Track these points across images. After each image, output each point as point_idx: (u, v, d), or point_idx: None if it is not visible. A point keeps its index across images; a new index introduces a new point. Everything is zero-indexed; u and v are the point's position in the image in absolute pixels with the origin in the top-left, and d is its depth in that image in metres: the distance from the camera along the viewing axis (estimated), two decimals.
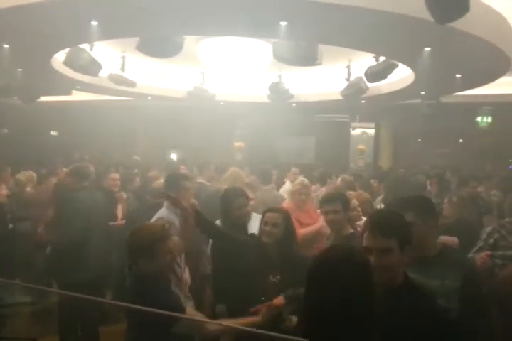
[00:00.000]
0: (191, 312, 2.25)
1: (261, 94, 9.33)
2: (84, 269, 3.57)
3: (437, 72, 6.43)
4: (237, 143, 13.70)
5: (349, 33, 5.38)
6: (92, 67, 6.69)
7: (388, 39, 5.56)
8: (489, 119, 11.06)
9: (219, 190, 4.03)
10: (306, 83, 9.46)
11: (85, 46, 6.50)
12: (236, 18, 5.03)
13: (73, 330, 3.78)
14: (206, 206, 3.52)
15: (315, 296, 1.43)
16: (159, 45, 6.09)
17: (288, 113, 11.40)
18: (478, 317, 2.00)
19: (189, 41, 6.49)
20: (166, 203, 3.35)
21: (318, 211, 3.55)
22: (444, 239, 3.77)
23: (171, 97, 10.20)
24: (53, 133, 14.80)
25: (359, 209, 3.67)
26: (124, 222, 4.39)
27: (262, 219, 2.79)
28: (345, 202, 3.15)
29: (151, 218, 3.22)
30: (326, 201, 3.17)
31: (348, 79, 7.84)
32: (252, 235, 3.04)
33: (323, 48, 6.08)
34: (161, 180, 4.58)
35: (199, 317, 2.22)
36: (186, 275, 3.28)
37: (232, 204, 3.13)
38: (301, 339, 1.42)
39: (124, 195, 5.02)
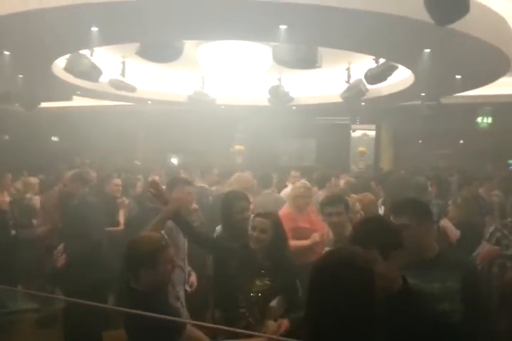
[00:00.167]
0: (192, 332, 2.12)
1: (261, 98, 9.34)
2: (90, 274, 3.56)
3: (437, 73, 6.44)
4: (237, 147, 13.71)
5: (349, 36, 5.39)
6: (92, 72, 6.71)
7: (388, 41, 5.57)
8: (490, 120, 11.04)
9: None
10: (306, 86, 9.47)
11: (85, 52, 6.53)
12: (236, 23, 5.06)
13: (77, 336, 3.77)
14: (211, 211, 3.51)
15: (317, 301, 1.43)
16: (159, 50, 6.11)
17: (288, 116, 11.41)
18: (481, 318, 1.99)
19: (189, 46, 6.51)
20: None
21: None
22: (448, 226, 3.77)
23: (171, 102, 10.21)
24: (54, 138, 14.82)
25: (362, 213, 3.67)
26: (123, 227, 4.39)
27: (251, 224, 2.74)
28: (347, 203, 3.24)
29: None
30: (328, 203, 3.19)
31: (348, 82, 7.86)
32: None
33: (322, 51, 6.08)
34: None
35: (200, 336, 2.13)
36: (193, 277, 3.27)
37: (233, 208, 3.12)
38: None
39: (126, 200, 5.02)
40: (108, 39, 5.60)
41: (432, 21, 3.80)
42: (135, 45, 6.22)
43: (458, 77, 7.20)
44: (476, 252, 3.27)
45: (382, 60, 6.69)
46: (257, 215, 2.73)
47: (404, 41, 5.48)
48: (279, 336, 2.04)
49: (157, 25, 5.18)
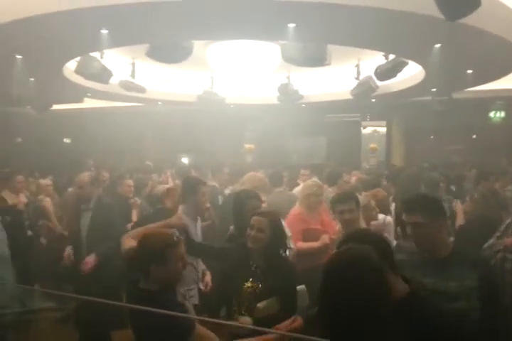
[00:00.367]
0: (202, 331, 2.08)
1: (270, 96, 9.35)
2: (115, 276, 3.59)
3: (448, 68, 6.36)
4: (247, 146, 13.72)
5: (358, 33, 5.37)
6: (103, 74, 6.78)
7: (398, 37, 5.54)
8: (502, 114, 10.92)
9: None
10: (315, 83, 9.45)
11: (96, 54, 6.59)
12: (244, 22, 5.07)
13: (87, 335, 3.80)
14: (224, 210, 3.50)
15: (328, 301, 1.44)
16: (169, 50, 6.16)
17: (298, 114, 11.38)
18: (498, 315, 1.97)
19: (198, 46, 6.54)
20: (181, 207, 3.37)
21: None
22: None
23: (181, 102, 10.27)
24: (66, 140, 14.98)
25: (377, 210, 3.65)
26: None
27: (250, 223, 2.65)
28: (358, 200, 3.23)
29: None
30: (340, 200, 3.19)
31: (357, 78, 7.82)
32: None
33: (332, 48, 6.07)
34: (165, 185, 4.68)
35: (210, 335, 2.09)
36: (208, 277, 3.28)
37: (245, 207, 3.11)
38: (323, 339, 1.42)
39: (138, 200, 5.07)
40: (118, 41, 5.65)
41: (442, 16, 3.78)
42: (144, 47, 6.26)
43: (469, 71, 7.13)
44: (486, 244, 3.22)
45: (391, 56, 6.65)
46: (255, 214, 2.64)
47: (414, 37, 5.44)
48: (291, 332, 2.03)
49: (166, 26, 5.21)
